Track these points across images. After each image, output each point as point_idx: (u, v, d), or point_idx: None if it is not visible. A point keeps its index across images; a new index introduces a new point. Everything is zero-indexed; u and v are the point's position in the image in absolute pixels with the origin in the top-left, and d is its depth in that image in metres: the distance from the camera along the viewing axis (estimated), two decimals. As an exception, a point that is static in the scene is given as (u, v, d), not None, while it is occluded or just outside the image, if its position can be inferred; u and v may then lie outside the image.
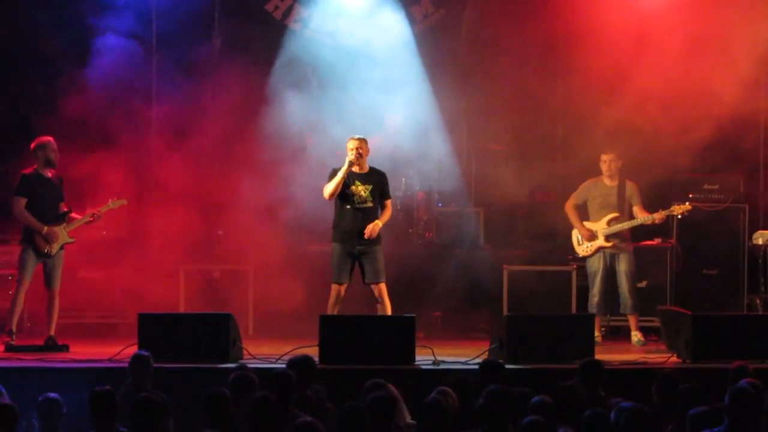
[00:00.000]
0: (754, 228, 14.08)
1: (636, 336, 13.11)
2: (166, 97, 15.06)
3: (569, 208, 13.44)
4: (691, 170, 14.41)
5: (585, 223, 13.32)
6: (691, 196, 14.27)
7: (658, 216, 13.04)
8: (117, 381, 9.35)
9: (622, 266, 13.19)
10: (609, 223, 13.20)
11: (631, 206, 13.20)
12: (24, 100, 14.94)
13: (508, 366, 10.71)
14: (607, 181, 13.30)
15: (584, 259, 13.40)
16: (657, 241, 14.31)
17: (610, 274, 13.25)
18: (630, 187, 13.25)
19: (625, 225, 13.17)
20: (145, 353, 9.46)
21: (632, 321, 13.22)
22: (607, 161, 13.25)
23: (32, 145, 12.41)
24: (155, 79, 15.14)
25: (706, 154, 14.21)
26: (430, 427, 7.63)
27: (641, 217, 13.10)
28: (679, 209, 13.08)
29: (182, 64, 15.00)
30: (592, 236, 13.27)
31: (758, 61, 14.03)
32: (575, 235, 13.41)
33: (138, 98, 15.00)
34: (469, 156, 15.21)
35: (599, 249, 13.25)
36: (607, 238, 13.20)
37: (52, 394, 8.30)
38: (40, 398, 8.29)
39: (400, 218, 14.53)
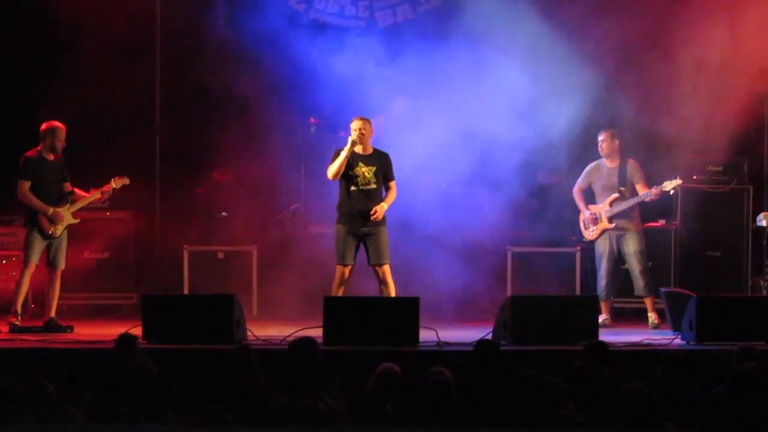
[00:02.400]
0: (759, 209, 14.05)
1: (651, 318, 13.02)
2: (171, 75, 15.07)
3: (576, 192, 13.43)
4: (695, 152, 14.38)
5: (590, 206, 13.30)
6: (695, 177, 14.25)
7: (652, 192, 12.99)
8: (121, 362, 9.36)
9: (630, 247, 13.14)
10: (611, 204, 13.18)
11: (633, 185, 13.16)
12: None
13: (511, 347, 10.77)
14: (607, 162, 13.27)
15: (592, 242, 13.37)
16: (661, 222, 14.29)
17: (617, 256, 13.22)
18: (631, 166, 13.21)
19: (625, 204, 13.13)
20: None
21: (648, 303, 13.11)
22: (600, 141, 13.23)
23: (42, 128, 12.38)
24: (160, 57, 15.11)
25: (710, 135, 14.17)
26: (433, 405, 7.64)
27: (641, 194, 13.07)
28: (670, 185, 13.01)
29: (187, 41, 15.00)
30: (595, 219, 13.25)
31: (763, 42, 13.98)
32: (582, 219, 13.39)
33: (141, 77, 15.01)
34: (474, 136, 15.17)
35: (604, 231, 13.22)
36: (611, 219, 13.17)
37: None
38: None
39: (403, 200, 14.49)
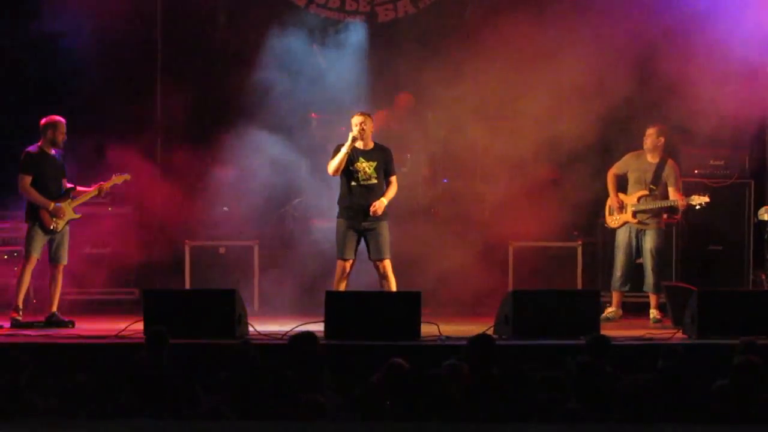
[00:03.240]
0: (760, 204, 14.05)
1: (653, 314, 13.03)
2: (172, 70, 15.06)
3: (610, 176, 13.32)
4: (696, 146, 14.37)
5: (620, 194, 13.26)
6: (696, 171, 14.26)
7: (680, 204, 13.01)
8: (123, 357, 9.38)
9: (648, 244, 13.11)
10: (639, 199, 13.14)
11: (666, 186, 13.13)
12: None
13: (513, 342, 10.78)
14: (648, 157, 13.19)
15: (613, 232, 13.36)
16: (663, 217, 14.28)
17: (635, 250, 13.19)
18: (669, 167, 13.15)
19: (654, 205, 13.09)
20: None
21: (652, 299, 13.12)
22: (646, 135, 13.18)
23: (42, 122, 12.38)
24: (160, 51, 15.11)
25: (712, 129, 14.16)
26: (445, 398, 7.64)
27: (671, 199, 13.05)
28: (697, 200, 13.02)
29: (188, 39, 14.99)
30: (621, 209, 13.21)
31: (764, 37, 13.97)
32: (608, 204, 13.34)
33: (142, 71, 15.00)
34: (474, 131, 15.15)
35: (626, 223, 13.19)
36: (635, 214, 13.14)
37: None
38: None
39: (404, 194, 14.51)
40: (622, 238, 13.23)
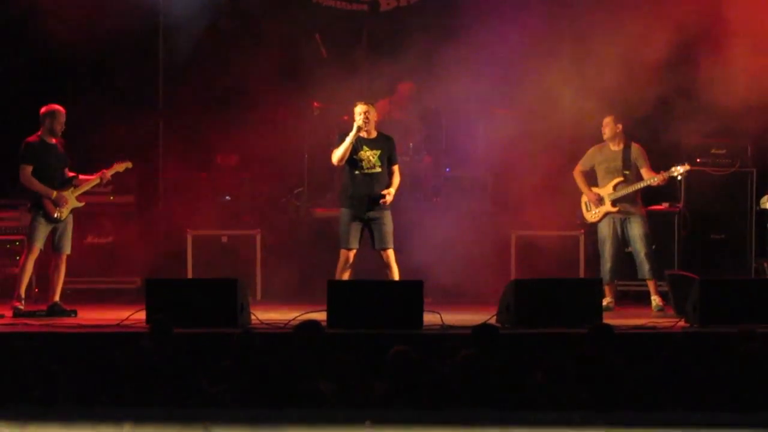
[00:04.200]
0: (762, 192, 14.02)
1: (655, 300, 13.01)
2: (174, 57, 15.05)
3: (576, 174, 13.37)
4: (698, 134, 14.36)
5: (593, 188, 13.27)
6: (699, 160, 14.25)
7: (659, 177, 12.98)
8: (125, 346, 9.38)
9: (635, 230, 13.11)
10: (615, 187, 13.14)
11: (638, 169, 13.13)
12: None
13: (515, 331, 10.78)
14: (611, 146, 13.22)
15: (594, 225, 13.35)
16: (665, 205, 14.29)
17: (621, 240, 13.20)
18: (635, 150, 13.17)
19: (630, 188, 13.10)
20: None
21: (651, 286, 13.10)
22: (603, 126, 13.19)
23: (41, 111, 12.37)
24: (163, 38, 15.09)
25: (713, 118, 14.15)
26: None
27: (646, 178, 13.04)
28: (677, 170, 12.99)
29: (191, 26, 14.98)
30: (599, 202, 13.22)
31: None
32: (584, 201, 13.36)
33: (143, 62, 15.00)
34: (476, 120, 15.15)
35: (607, 214, 13.19)
36: (614, 203, 13.14)
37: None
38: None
39: (407, 183, 14.51)
40: (605, 230, 13.21)
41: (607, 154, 13.22)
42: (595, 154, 13.31)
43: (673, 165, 13.03)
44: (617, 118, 13.19)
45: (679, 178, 13.12)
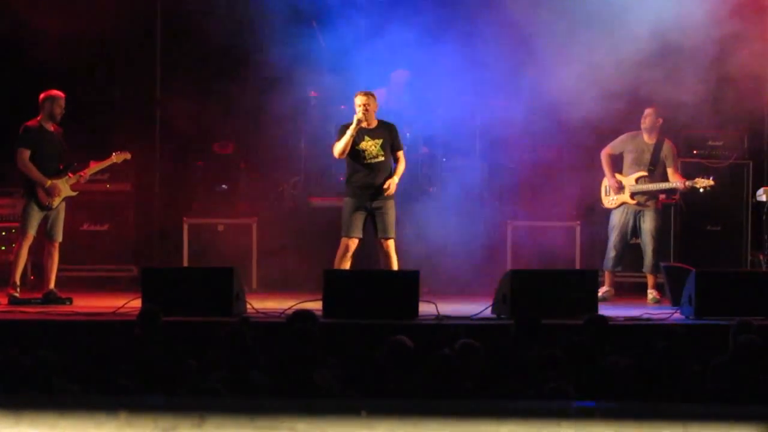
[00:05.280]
0: (758, 184, 14.05)
1: (651, 294, 13.03)
2: (171, 47, 15.03)
3: (604, 155, 13.29)
4: (695, 126, 14.36)
5: (617, 175, 13.23)
6: (695, 152, 14.25)
7: (681, 184, 12.97)
8: (121, 334, 9.39)
9: (647, 224, 13.09)
10: (637, 180, 13.11)
11: (665, 167, 13.10)
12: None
13: (511, 321, 10.78)
14: (645, 137, 13.16)
15: (601, 214, 13.34)
16: (661, 197, 14.28)
17: (631, 231, 13.18)
18: (667, 147, 13.13)
19: (653, 186, 13.07)
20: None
21: (650, 279, 13.13)
22: (644, 115, 13.13)
23: (41, 96, 12.35)
24: (159, 30, 15.07)
25: (710, 110, 14.15)
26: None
27: (671, 181, 13.02)
28: (701, 183, 12.98)
29: (188, 16, 14.96)
30: (619, 189, 13.18)
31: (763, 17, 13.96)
32: (604, 185, 13.32)
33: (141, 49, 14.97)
34: (473, 110, 15.13)
35: (623, 204, 13.18)
36: (633, 195, 13.12)
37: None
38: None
39: (403, 173, 14.50)
40: (618, 218, 13.20)
41: (639, 144, 13.17)
42: (627, 141, 13.25)
43: (699, 176, 13.03)
44: (660, 111, 13.15)
45: (701, 191, 13.07)
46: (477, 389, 7.77)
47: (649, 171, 13.10)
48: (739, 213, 14.38)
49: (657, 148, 13.12)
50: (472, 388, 7.73)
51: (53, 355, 8.10)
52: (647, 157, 13.12)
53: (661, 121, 13.14)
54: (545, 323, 9.12)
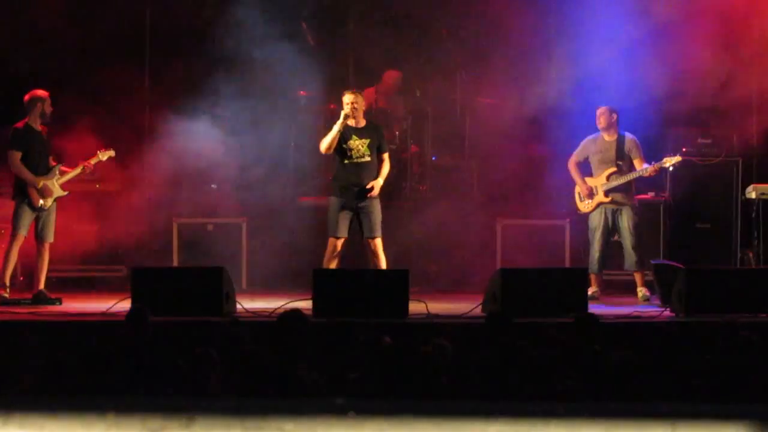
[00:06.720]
0: (748, 182, 14.06)
1: (641, 292, 13.03)
2: (161, 45, 15.01)
3: (571, 165, 13.34)
4: (684, 124, 14.37)
5: (587, 179, 13.26)
6: (684, 150, 14.24)
7: (651, 168, 12.98)
8: (110, 334, 9.37)
9: (625, 221, 13.10)
10: (608, 178, 13.12)
11: (631, 160, 13.12)
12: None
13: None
14: (605, 136, 13.20)
15: (585, 215, 13.35)
16: (650, 195, 14.29)
17: (611, 230, 13.19)
18: (629, 141, 13.15)
19: (623, 179, 13.09)
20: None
21: (637, 277, 13.13)
22: (597, 115, 13.18)
23: (27, 98, 12.32)
24: (148, 32, 15.06)
25: (699, 107, 14.17)
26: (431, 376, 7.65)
27: (638, 169, 13.04)
28: (669, 161, 13.00)
29: (177, 13, 14.95)
30: (591, 192, 13.20)
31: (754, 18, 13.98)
32: (577, 191, 13.34)
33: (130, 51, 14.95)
34: (463, 109, 15.14)
35: (599, 205, 13.18)
36: (607, 193, 13.12)
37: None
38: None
39: (393, 172, 14.50)
40: (597, 220, 13.21)
41: (601, 145, 13.20)
42: (589, 145, 13.28)
43: (665, 156, 13.04)
44: (613, 108, 13.17)
45: (671, 168, 13.10)
46: (458, 387, 7.77)
47: (617, 166, 13.10)
48: (728, 211, 14.39)
49: (619, 143, 13.14)
50: (461, 387, 7.73)
51: (43, 355, 8.11)
52: (612, 154, 13.14)
53: (615, 116, 13.15)
54: (536, 322, 9.11)
